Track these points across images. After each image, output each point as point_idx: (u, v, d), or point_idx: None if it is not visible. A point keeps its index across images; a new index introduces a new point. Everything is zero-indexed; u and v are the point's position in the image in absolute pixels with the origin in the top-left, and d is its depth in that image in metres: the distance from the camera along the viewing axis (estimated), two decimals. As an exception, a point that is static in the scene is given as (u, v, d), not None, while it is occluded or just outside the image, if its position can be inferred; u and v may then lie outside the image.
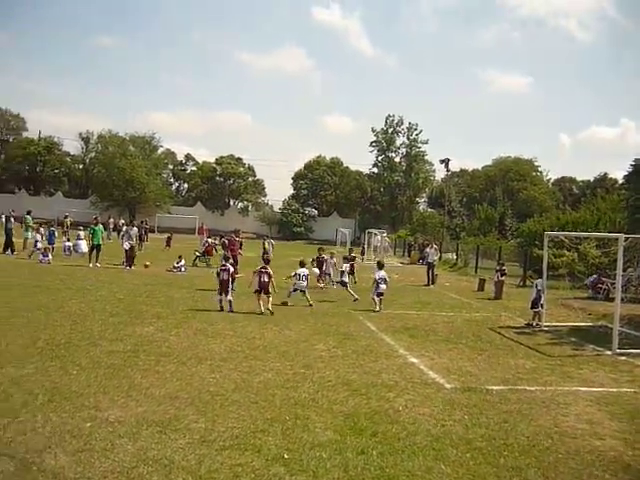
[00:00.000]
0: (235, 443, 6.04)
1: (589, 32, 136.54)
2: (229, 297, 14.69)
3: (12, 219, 28.89)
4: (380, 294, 16.43)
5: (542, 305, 15.12)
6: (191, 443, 5.98)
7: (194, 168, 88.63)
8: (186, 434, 6.21)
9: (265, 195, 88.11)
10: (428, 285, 24.71)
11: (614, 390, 9.20)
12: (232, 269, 15.36)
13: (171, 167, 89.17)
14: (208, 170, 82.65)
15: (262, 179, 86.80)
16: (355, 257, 24.72)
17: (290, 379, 8.70)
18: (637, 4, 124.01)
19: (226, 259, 15.99)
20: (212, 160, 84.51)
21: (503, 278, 22.16)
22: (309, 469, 5.53)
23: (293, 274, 16.58)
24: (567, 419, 7.55)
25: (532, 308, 15.33)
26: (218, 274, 15.06)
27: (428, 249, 27.25)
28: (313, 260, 21.47)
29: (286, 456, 5.79)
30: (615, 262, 13.20)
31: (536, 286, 15.42)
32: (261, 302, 14.38)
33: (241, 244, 21.56)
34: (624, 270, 14.44)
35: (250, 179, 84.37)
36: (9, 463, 5.29)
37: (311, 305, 16.11)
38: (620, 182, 48.41)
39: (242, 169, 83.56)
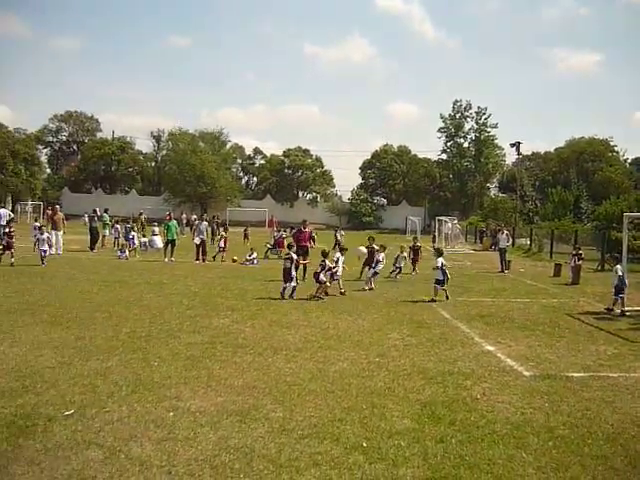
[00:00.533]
0: (314, 432, 6.10)
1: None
2: (292, 283, 15.01)
3: (96, 218, 29.66)
4: (438, 281, 15.71)
5: (622, 290, 14.54)
6: (270, 432, 6.08)
7: (262, 161, 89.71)
8: (265, 423, 6.31)
9: (333, 186, 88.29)
10: (502, 272, 24.21)
11: None
12: (295, 257, 15.63)
13: (240, 161, 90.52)
14: (276, 163, 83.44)
15: (330, 170, 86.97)
16: (420, 247, 24.06)
17: (365, 368, 8.72)
18: None
19: (289, 247, 16.23)
20: (280, 153, 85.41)
21: (580, 262, 21.51)
22: (388, 457, 5.54)
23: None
24: (654, 406, 7.29)
25: (616, 295, 14.64)
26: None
27: (499, 235, 26.72)
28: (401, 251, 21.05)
29: (364, 444, 5.81)
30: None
31: (616, 272, 14.83)
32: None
33: (313, 237, 21.51)
34: None
35: (318, 170, 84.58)
36: (98, 451, 5.51)
37: (343, 293, 16.13)
38: None
39: (310, 160, 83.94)
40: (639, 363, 9.54)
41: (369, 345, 10.22)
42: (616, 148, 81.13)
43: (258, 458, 5.45)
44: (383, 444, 5.84)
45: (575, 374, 8.70)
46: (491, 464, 5.46)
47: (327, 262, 15.50)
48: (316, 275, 15.31)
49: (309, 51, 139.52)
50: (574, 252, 22.22)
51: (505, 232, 26.52)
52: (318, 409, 6.80)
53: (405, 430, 6.24)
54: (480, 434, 6.18)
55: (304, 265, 18.45)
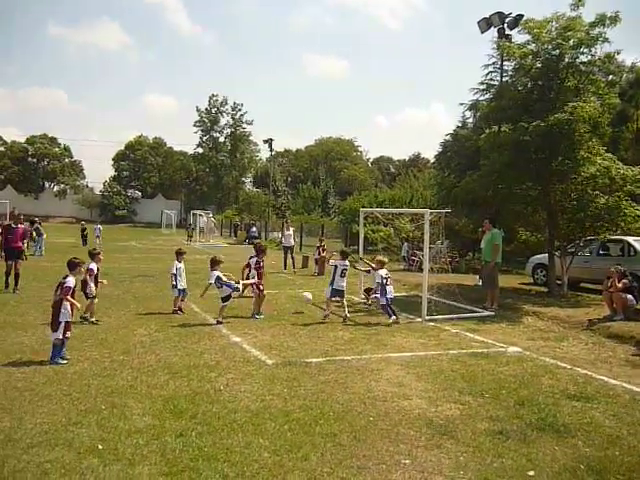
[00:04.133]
0: (44, 439, 5.71)
1: (399, 20, 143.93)
2: None
3: None
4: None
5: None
6: (-7, 444, 5.58)
7: (2, 148, 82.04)
8: (-12, 435, 5.78)
9: (84, 177, 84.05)
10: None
11: (422, 354, 9.91)
12: None
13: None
14: (18, 150, 77.02)
15: (80, 160, 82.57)
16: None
17: (107, 367, 8.40)
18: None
19: None
20: (23, 140, 79.03)
21: (324, 254, 22.89)
22: (124, 457, 5.38)
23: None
24: (379, 384, 8.00)
25: (367, 292, 14.72)
26: None
27: (285, 231, 25.39)
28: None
29: (100, 447, 5.58)
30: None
31: (381, 278, 13.51)
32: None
33: (32, 232, 18.82)
34: (432, 243, 15.44)
35: (67, 160, 79.88)
36: None
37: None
38: (431, 161, 52.12)
39: (57, 149, 78.91)
40: (370, 346, 10.43)
41: (113, 343, 9.88)
42: (360, 148, 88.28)
43: (-25, 475, 4.97)
44: (120, 444, 5.67)
45: (314, 359, 9.23)
46: (229, 452, 5.57)
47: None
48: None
49: (54, 32, 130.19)
50: (318, 244, 23.62)
51: (292, 229, 25.62)
52: (51, 414, 6.38)
53: (145, 428, 6.12)
54: (220, 424, 6.28)
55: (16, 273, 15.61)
